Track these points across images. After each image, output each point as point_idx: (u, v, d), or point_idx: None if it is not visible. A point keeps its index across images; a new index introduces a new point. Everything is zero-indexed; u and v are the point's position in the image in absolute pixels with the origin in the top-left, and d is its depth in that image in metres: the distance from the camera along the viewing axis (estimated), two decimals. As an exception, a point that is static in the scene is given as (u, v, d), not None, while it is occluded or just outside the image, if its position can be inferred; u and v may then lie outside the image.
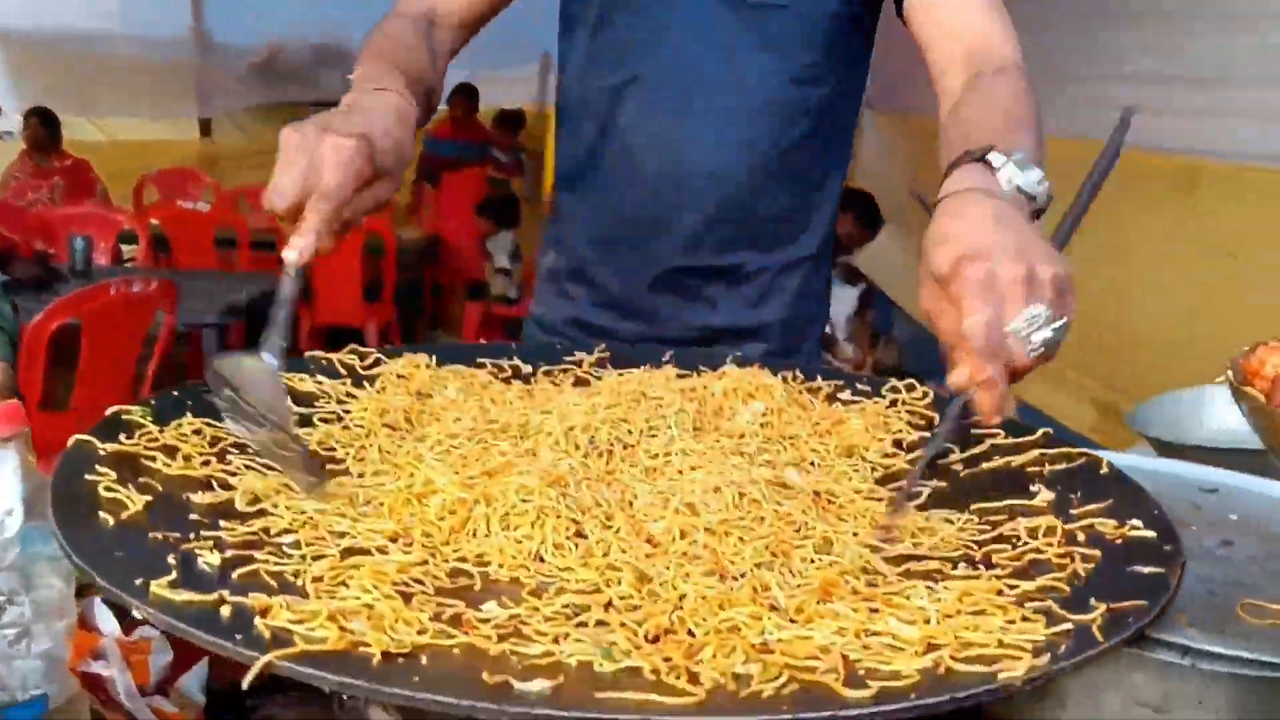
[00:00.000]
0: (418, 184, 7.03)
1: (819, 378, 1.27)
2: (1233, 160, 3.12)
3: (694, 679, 0.62)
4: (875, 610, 0.73)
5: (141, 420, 0.95)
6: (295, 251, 0.97)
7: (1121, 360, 3.39)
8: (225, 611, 0.65)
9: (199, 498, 0.84)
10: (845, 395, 1.23)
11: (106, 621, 0.97)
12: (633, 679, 0.63)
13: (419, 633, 0.65)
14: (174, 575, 0.67)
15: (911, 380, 1.23)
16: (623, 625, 0.69)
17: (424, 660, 0.62)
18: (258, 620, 0.63)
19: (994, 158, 1.00)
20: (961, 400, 0.88)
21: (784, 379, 1.23)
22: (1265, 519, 1.22)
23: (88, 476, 0.82)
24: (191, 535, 0.76)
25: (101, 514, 0.76)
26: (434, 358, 1.23)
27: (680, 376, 1.24)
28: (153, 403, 1.00)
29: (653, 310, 1.55)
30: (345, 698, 0.97)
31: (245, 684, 0.58)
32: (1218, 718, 0.98)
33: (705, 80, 1.47)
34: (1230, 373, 0.81)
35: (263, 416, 0.90)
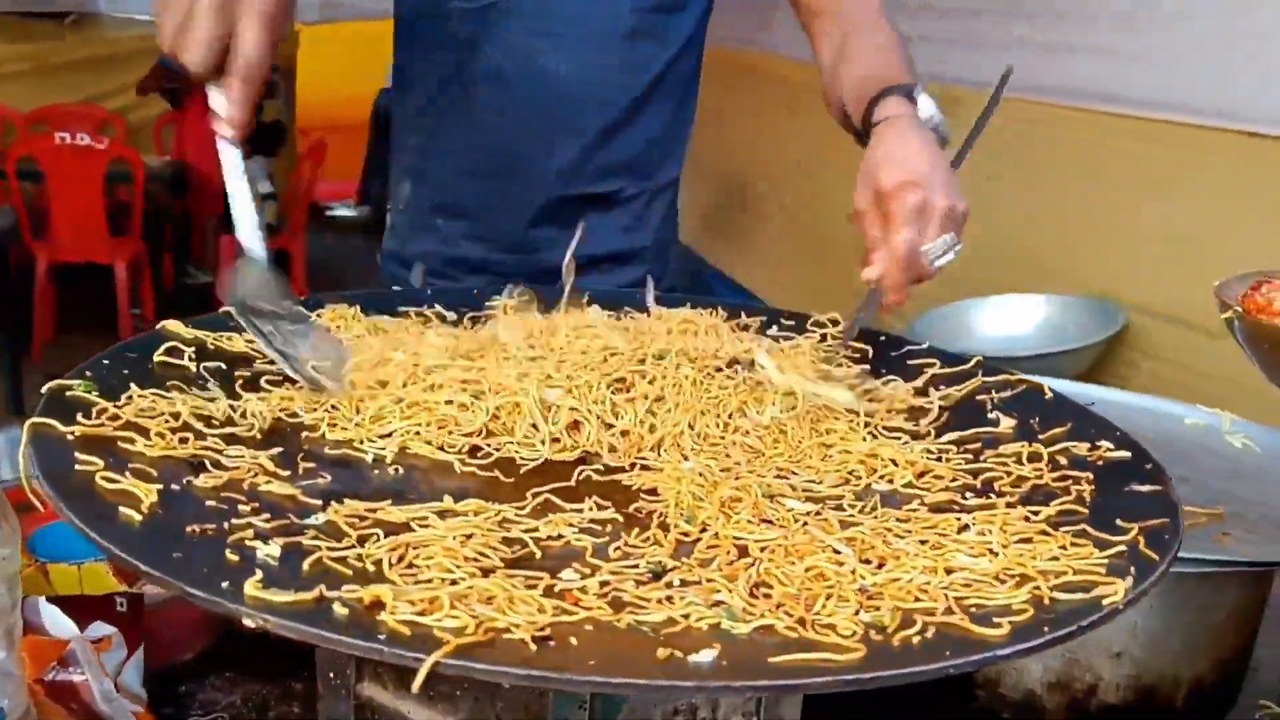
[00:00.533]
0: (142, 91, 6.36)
1: (742, 314, 1.28)
2: (983, 90, 3.37)
3: (833, 632, 0.63)
4: (925, 543, 0.76)
5: (88, 395, 0.84)
6: (232, 128, 0.96)
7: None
8: (341, 610, 0.59)
9: (201, 481, 0.76)
10: (773, 331, 1.25)
11: (58, 623, 0.87)
12: (769, 637, 0.63)
13: (539, 611, 0.62)
14: (260, 575, 0.61)
15: (834, 315, 1.27)
16: (710, 581, 0.69)
17: (574, 640, 0.59)
18: (385, 616, 0.59)
19: (917, 94, 1.18)
20: (873, 293, 1.11)
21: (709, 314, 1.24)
22: (1143, 429, 1.35)
23: (77, 468, 0.72)
24: (225, 525, 0.69)
25: (123, 510, 0.68)
26: (358, 307, 1.16)
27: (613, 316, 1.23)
28: (88, 374, 0.88)
29: (531, 241, 1.54)
30: (332, 675, 0.91)
31: (415, 687, 0.53)
32: (1150, 608, 1.09)
33: (574, 5, 1.45)
34: (1238, 309, 0.89)
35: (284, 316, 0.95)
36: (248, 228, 0.97)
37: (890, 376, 1.12)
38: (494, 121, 1.50)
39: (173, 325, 1.03)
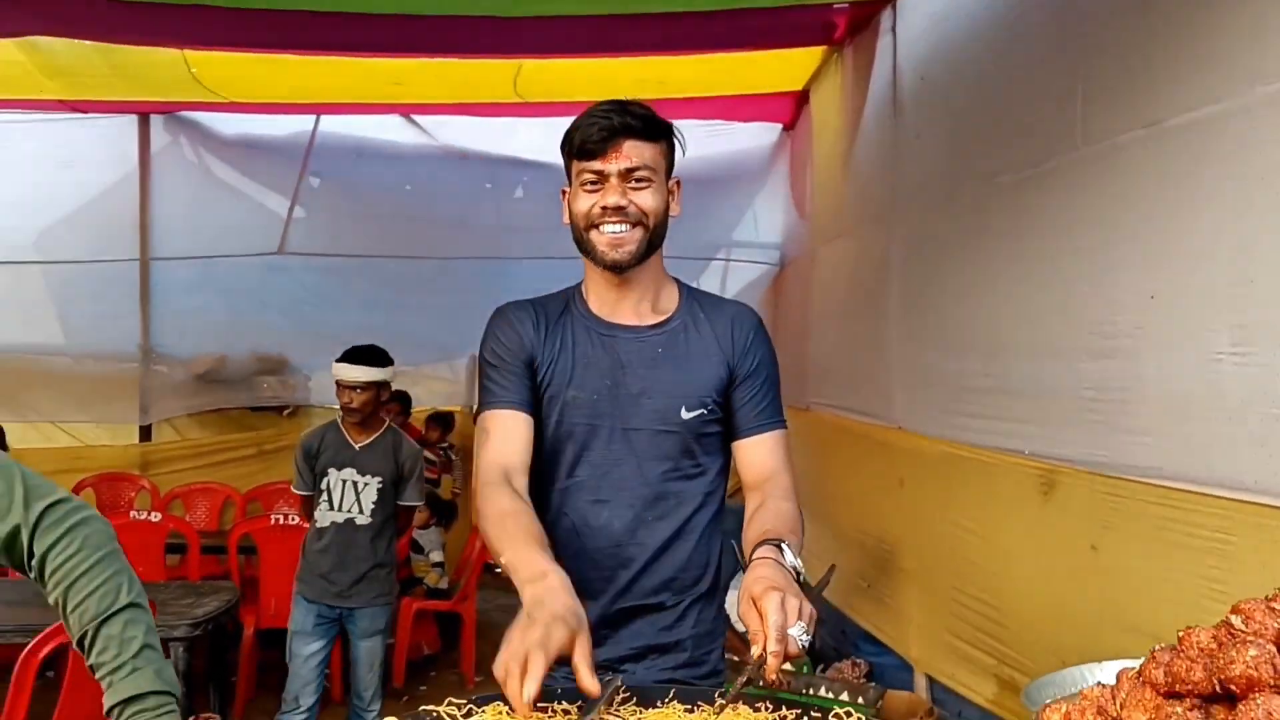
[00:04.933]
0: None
1: (783, 708, 1.73)
2: (1086, 467, 3.64)
3: None
4: None
5: None
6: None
7: (1010, 640, 3.87)
8: None
9: None
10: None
11: None
12: None
13: None
14: None
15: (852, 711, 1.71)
16: None
17: None
18: None
19: (784, 547, 1.85)
20: (758, 665, 1.59)
21: (759, 709, 1.70)
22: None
23: None
24: None
25: None
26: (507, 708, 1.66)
27: (688, 711, 1.71)
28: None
29: (600, 639, 2.13)
30: None
31: None
32: None
33: (626, 482, 2.19)
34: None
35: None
36: None
37: None
38: (576, 559, 2.15)
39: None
